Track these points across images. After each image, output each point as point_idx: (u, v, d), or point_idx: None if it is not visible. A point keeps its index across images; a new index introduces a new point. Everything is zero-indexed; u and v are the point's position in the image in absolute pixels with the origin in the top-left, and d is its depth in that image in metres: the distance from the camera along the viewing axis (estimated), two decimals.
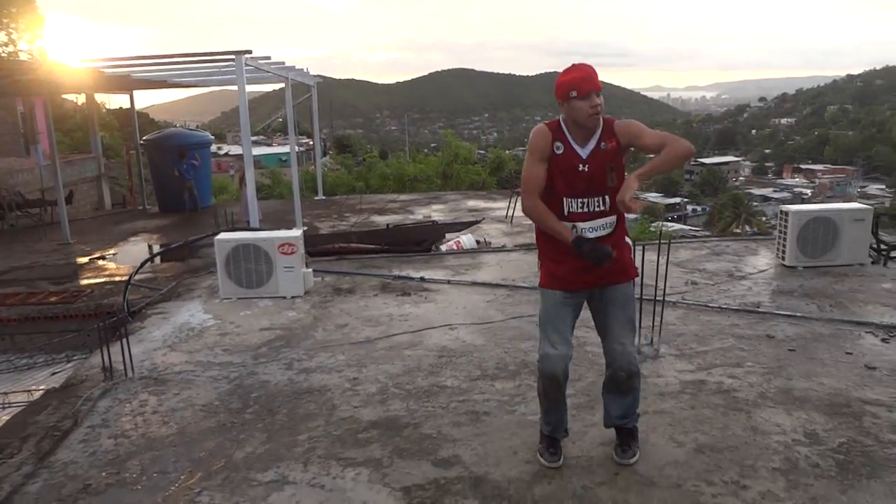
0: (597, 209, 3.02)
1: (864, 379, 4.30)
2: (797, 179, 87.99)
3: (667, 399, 4.04)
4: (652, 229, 16.71)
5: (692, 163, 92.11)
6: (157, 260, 8.77)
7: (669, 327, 5.20)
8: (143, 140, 14.46)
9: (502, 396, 4.18)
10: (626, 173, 3.04)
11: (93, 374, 4.72)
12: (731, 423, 3.75)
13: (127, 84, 12.17)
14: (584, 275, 3.07)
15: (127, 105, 16.11)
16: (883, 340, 4.94)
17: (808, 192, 73.07)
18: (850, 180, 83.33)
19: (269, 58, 9.46)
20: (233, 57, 7.99)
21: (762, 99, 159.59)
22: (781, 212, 6.95)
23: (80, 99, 17.49)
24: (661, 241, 5.28)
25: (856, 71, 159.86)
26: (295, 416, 4.00)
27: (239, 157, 30.49)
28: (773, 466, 3.33)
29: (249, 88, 8.80)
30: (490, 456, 3.50)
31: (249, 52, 8.12)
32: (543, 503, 3.06)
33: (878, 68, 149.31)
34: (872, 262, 6.93)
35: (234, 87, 8.65)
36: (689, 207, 63.23)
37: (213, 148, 19.11)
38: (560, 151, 3.00)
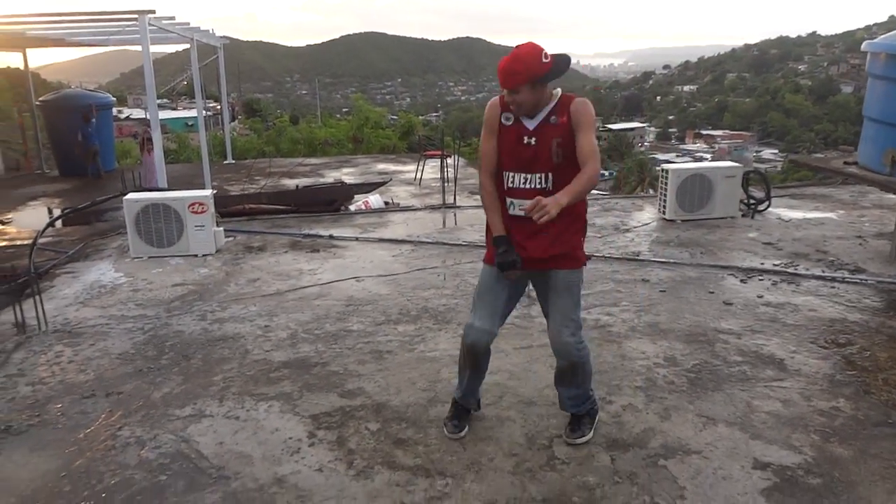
0: (538, 186, 2.93)
1: (721, 313, 4.93)
2: (698, 144, 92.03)
3: None
4: None
5: (601, 129, 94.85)
6: (60, 225, 8.66)
7: None
8: (40, 101, 13.90)
9: (404, 337, 4.57)
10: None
11: (4, 331, 4.81)
12: (603, 352, 4.28)
13: (20, 42, 11.69)
14: (521, 255, 3.01)
15: (13, 64, 15.34)
16: (742, 281, 5.62)
17: (709, 156, 76.56)
18: (747, 145, 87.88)
19: (173, 18, 9.35)
20: (136, 16, 7.90)
21: (666, 66, 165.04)
22: (662, 170, 7.60)
23: None
24: None
25: (753, 40, 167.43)
26: (210, 361, 4.27)
27: (141, 120, 29.40)
28: (635, 385, 3.86)
29: (152, 49, 8.72)
30: (391, 387, 3.89)
31: (153, 11, 8.04)
32: (437, 421, 3.48)
33: (772, 38, 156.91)
34: (742, 215, 7.70)
35: (135, 48, 8.55)
36: None
37: (114, 111, 18.45)
38: (508, 123, 2.95)
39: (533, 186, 2.95)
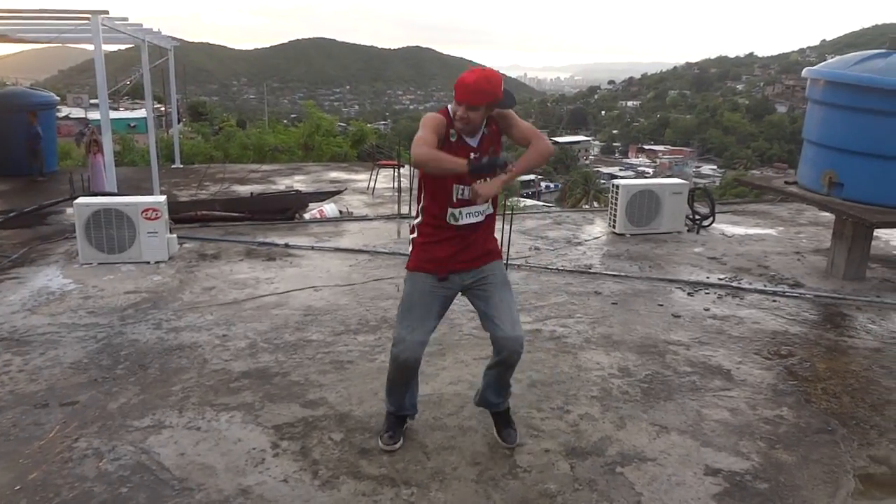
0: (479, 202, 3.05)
1: (671, 325, 5.11)
2: (641, 159, 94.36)
3: None
4: (509, 204, 17.61)
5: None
6: None
7: (513, 287, 5.80)
8: None
9: (364, 347, 4.60)
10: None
11: None
12: (559, 363, 4.40)
13: None
14: (459, 256, 3.13)
15: None
16: (689, 294, 5.83)
17: (651, 171, 78.56)
18: (687, 160, 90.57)
19: (126, 19, 9.17)
20: (89, 16, 7.72)
21: (611, 82, 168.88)
22: (613, 186, 7.82)
23: None
24: (506, 213, 5.88)
25: (694, 59, 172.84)
26: (167, 370, 4.21)
27: (80, 119, 28.51)
28: (591, 395, 3.99)
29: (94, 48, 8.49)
30: (353, 397, 3.91)
31: (106, 12, 7.87)
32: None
33: (712, 58, 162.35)
34: (688, 230, 7.97)
35: (77, 45, 8.32)
36: (543, 184, 66.00)
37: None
38: (454, 140, 3.05)
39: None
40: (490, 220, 3.22)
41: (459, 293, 3.27)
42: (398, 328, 3.19)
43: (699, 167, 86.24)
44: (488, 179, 2.94)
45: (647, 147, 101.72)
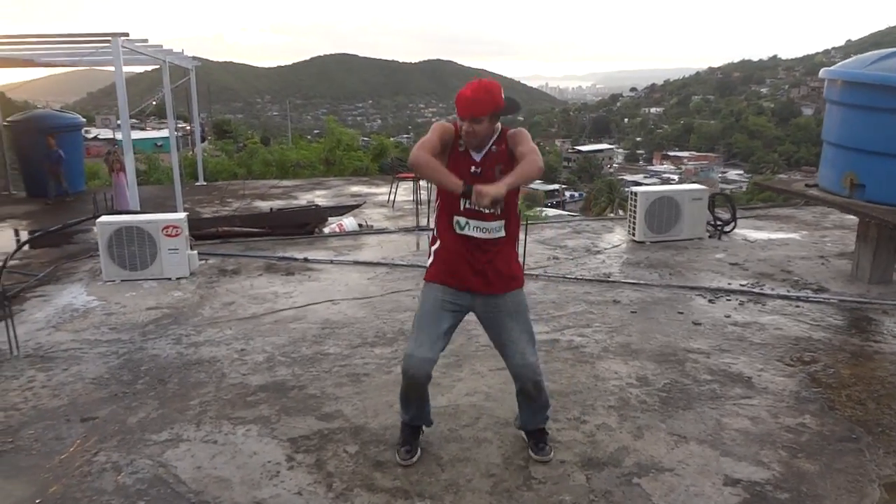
0: (488, 210, 3.04)
1: (691, 333, 5.05)
2: (666, 166, 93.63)
3: None
4: (529, 214, 17.57)
5: (570, 150, 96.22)
6: (28, 247, 8.54)
7: (531, 297, 5.78)
8: (8, 121, 13.75)
9: (380, 360, 4.61)
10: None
11: None
12: (577, 372, 4.36)
13: None
14: (474, 277, 3.12)
15: None
16: (710, 301, 5.75)
17: (676, 177, 77.93)
18: (713, 166, 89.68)
19: (146, 40, 9.36)
20: (109, 39, 7.89)
21: (633, 89, 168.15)
22: (631, 193, 7.77)
23: None
24: (523, 223, 5.86)
25: (716, 64, 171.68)
26: (186, 385, 4.25)
27: (109, 140, 29.07)
28: (608, 405, 3.94)
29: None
30: (369, 409, 3.92)
31: (126, 34, 8.04)
32: None
33: (735, 61, 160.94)
34: (709, 236, 7.88)
35: (104, 68, 8.52)
36: (567, 193, 65.80)
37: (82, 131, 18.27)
38: (462, 149, 3.07)
39: (481, 209, 3.04)
40: (509, 242, 3.18)
41: (472, 315, 3.26)
42: (409, 342, 3.21)
43: (725, 172, 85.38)
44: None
45: (671, 154, 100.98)
